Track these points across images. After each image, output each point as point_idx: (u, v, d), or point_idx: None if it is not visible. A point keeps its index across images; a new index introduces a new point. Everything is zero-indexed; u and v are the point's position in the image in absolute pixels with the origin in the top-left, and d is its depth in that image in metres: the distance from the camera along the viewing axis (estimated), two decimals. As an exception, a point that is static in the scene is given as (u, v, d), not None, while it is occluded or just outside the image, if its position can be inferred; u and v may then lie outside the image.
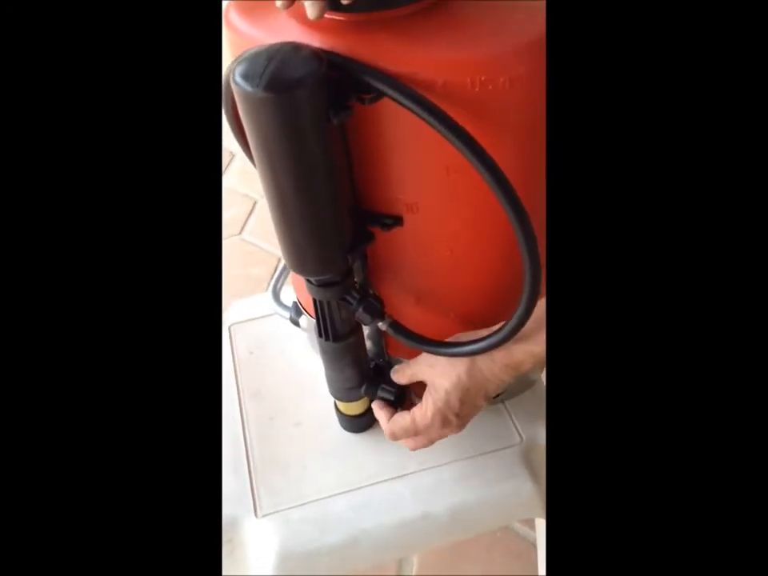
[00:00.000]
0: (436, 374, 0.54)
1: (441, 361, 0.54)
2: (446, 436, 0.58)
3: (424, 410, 0.55)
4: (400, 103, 0.40)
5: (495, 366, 0.52)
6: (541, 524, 0.71)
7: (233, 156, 1.75)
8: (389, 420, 0.59)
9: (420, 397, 0.57)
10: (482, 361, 0.52)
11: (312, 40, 0.42)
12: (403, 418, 0.57)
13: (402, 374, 0.59)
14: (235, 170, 1.74)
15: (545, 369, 0.70)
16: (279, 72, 0.38)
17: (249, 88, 0.38)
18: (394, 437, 0.59)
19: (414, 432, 0.57)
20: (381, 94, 0.40)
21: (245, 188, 1.67)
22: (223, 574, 0.62)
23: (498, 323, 0.50)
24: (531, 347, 0.50)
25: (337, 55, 0.41)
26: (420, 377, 0.57)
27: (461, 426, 0.56)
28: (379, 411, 0.60)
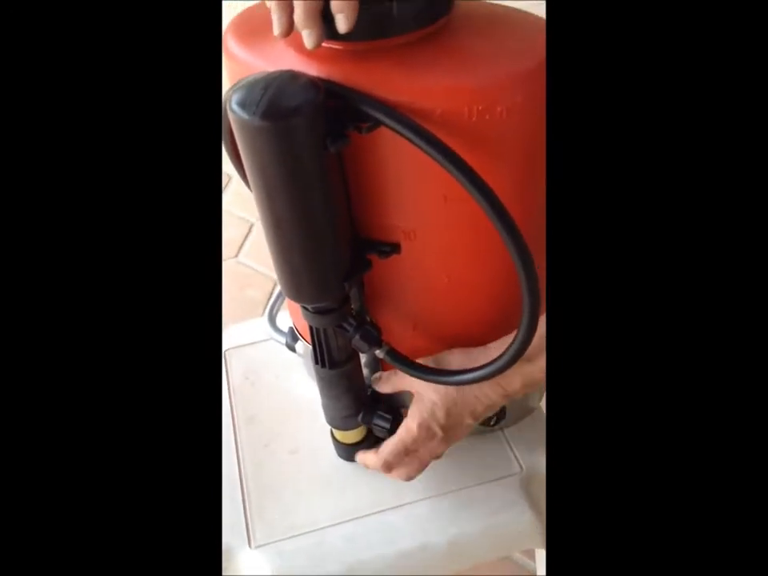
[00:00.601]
0: (424, 385, 0.54)
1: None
2: (435, 455, 0.57)
3: (409, 423, 0.55)
4: (397, 132, 0.40)
5: (484, 383, 0.52)
6: (540, 554, 0.70)
7: (230, 178, 1.76)
8: (376, 455, 0.58)
9: None
10: None
11: (309, 68, 0.42)
12: (390, 442, 0.57)
13: (387, 383, 0.58)
14: (232, 192, 1.74)
15: (543, 396, 0.70)
16: (276, 100, 0.38)
17: (245, 116, 0.38)
18: (388, 465, 0.58)
19: (403, 450, 0.57)
20: (378, 123, 0.40)
21: (241, 210, 1.67)
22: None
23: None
24: (520, 365, 0.50)
25: (334, 84, 0.41)
26: (406, 387, 0.56)
27: (446, 441, 0.56)
28: (364, 456, 0.60)
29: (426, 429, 0.55)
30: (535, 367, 0.50)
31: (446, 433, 0.55)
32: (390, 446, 0.57)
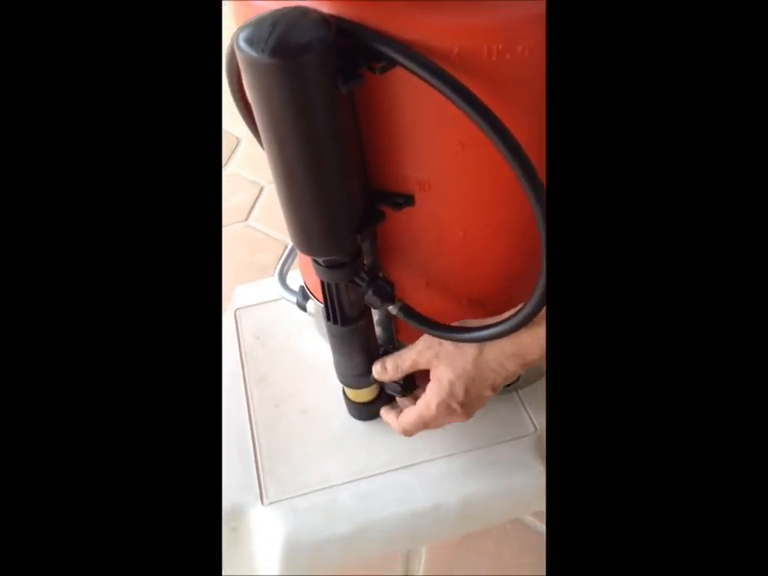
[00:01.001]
0: (441, 363, 0.53)
1: (446, 350, 0.52)
2: (452, 422, 0.56)
3: (428, 401, 0.54)
4: (413, 72, 0.38)
5: (502, 355, 0.50)
6: (553, 516, 0.69)
7: (238, 141, 1.73)
8: (397, 419, 0.57)
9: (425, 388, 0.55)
10: (490, 351, 0.51)
11: (320, 5, 0.40)
12: (410, 414, 0.56)
13: (396, 369, 0.57)
14: (241, 156, 1.71)
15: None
16: (285, 36, 0.36)
17: (253, 53, 0.36)
18: (407, 433, 0.58)
19: (423, 425, 0.56)
20: (392, 63, 0.38)
21: (251, 174, 1.65)
22: (229, 563, 0.60)
23: (510, 309, 0.48)
24: (538, 330, 0.48)
25: (346, 21, 0.39)
26: (423, 366, 0.55)
27: (467, 414, 0.55)
28: (387, 415, 0.59)
29: (445, 407, 0.53)
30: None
31: (466, 408, 0.54)
32: (409, 417, 0.56)
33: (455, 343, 0.52)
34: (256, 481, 0.62)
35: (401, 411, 0.58)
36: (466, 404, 0.53)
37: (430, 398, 0.54)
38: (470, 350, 0.51)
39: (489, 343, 0.50)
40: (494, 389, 0.53)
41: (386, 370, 0.57)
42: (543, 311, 0.47)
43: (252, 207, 1.59)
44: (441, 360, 0.53)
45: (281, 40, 0.36)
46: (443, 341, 0.53)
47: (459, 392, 0.52)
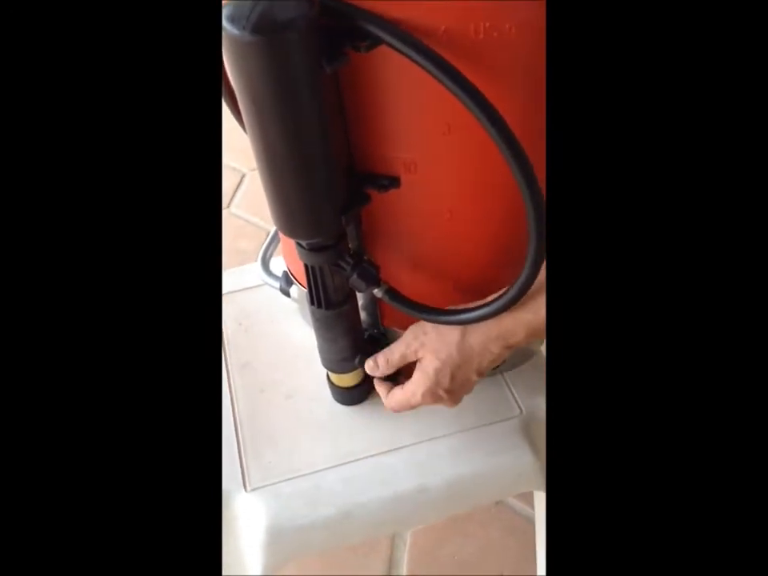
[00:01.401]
0: (426, 352, 0.53)
1: (430, 338, 0.52)
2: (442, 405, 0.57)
3: (414, 389, 0.54)
4: (398, 50, 0.37)
5: (486, 338, 0.50)
6: (539, 498, 0.69)
7: (220, 127, 1.71)
8: (387, 395, 0.57)
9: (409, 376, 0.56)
10: (473, 335, 0.51)
11: (304, -18, 0.39)
12: (399, 394, 0.56)
13: (387, 364, 0.56)
14: (223, 142, 1.69)
15: (543, 340, 0.69)
16: (267, 13, 0.35)
17: (235, 31, 0.36)
18: (395, 410, 0.57)
19: (409, 407, 0.56)
20: (377, 41, 0.38)
21: (232, 161, 1.63)
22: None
23: (496, 291, 0.48)
24: (523, 314, 0.48)
25: (330, -3, 0.38)
26: (411, 357, 0.55)
27: (454, 400, 0.55)
28: (379, 385, 0.59)
29: (431, 394, 0.54)
30: (537, 317, 0.48)
31: (452, 394, 0.54)
32: (395, 401, 0.56)
33: (438, 331, 0.52)
34: (239, 468, 0.61)
35: (391, 384, 0.58)
36: (452, 390, 0.53)
37: (416, 386, 0.54)
38: (453, 336, 0.51)
39: (471, 328, 0.50)
40: (479, 373, 0.53)
41: (378, 365, 0.57)
42: (527, 294, 0.47)
43: (233, 194, 1.57)
44: (426, 349, 0.53)
45: (263, 17, 0.35)
46: (427, 330, 0.53)
47: (445, 379, 0.52)
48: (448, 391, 0.53)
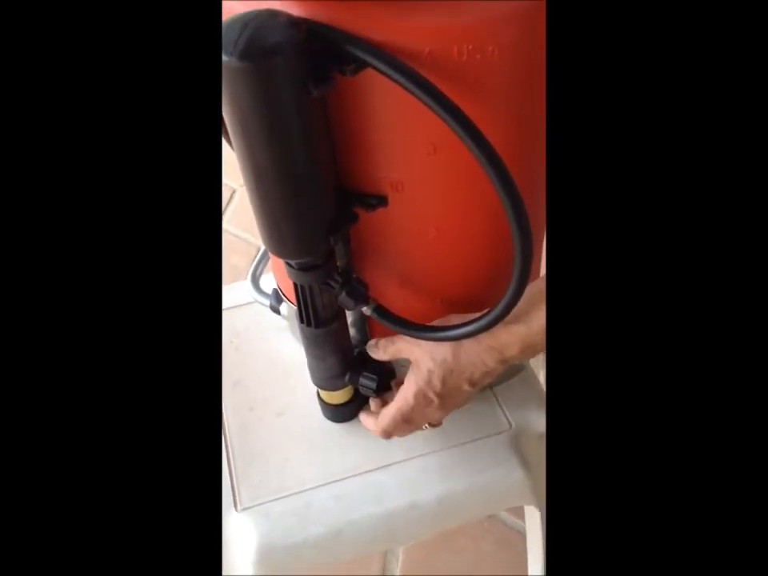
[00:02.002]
0: (420, 351, 0.53)
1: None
2: (433, 420, 0.57)
3: (406, 392, 0.54)
4: (383, 73, 0.38)
5: (480, 347, 0.51)
6: (530, 512, 0.70)
7: (210, 143, 1.71)
8: (375, 423, 0.57)
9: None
10: (468, 343, 0.51)
11: (290, 7, 0.40)
12: (388, 410, 0.56)
13: (383, 350, 0.57)
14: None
15: (534, 355, 0.69)
16: (255, 39, 0.36)
17: (223, 56, 0.36)
18: (387, 434, 0.58)
19: (401, 420, 0.56)
20: (363, 64, 0.38)
21: (223, 177, 1.64)
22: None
23: (486, 307, 0.49)
24: (517, 327, 0.49)
25: (316, 23, 0.39)
26: (404, 354, 0.55)
27: (443, 408, 0.55)
28: (366, 420, 0.59)
29: (422, 396, 0.54)
30: (532, 330, 0.48)
31: (443, 400, 0.54)
32: (388, 416, 0.56)
33: None
34: (230, 486, 0.61)
35: (375, 418, 0.58)
36: (443, 395, 0.53)
37: (408, 389, 0.54)
38: (449, 342, 0.51)
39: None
40: (471, 383, 0.53)
41: (377, 348, 0.58)
42: (519, 307, 0.47)
43: (224, 210, 1.57)
44: (422, 349, 0.53)
45: (250, 43, 0.36)
46: None
47: (437, 382, 0.53)
48: (439, 395, 0.53)
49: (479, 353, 0.51)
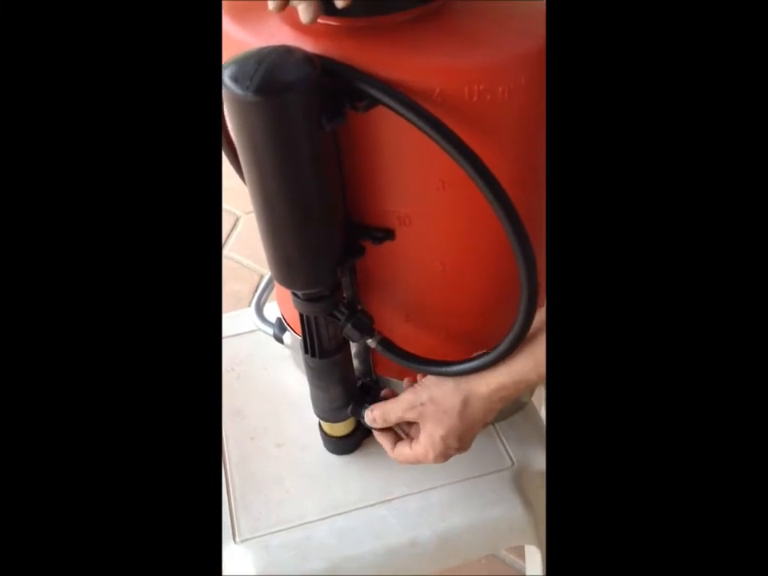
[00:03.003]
0: (427, 422, 0.53)
1: (430, 411, 0.52)
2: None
3: (424, 452, 0.54)
4: (395, 111, 0.38)
5: (489, 403, 0.51)
6: (530, 550, 0.69)
7: (216, 171, 1.73)
8: (393, 449, 0.57)
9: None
10: (475, 402, 0.51)
11: (305, 45, 0.41)
12: (406, 452, 0.56)
13: (383, 421, 0.56)
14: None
15: (534, 391, 0.69)
16: (270, 75, 0.37)
17: (239, 91, 0.37)
18: (401, 463, 0.57)
19: (417, 463, 0.56)
20: (375, 102, 0.39)
21: (227, 204, 1.64)
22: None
23: (491, 343, 0.49)
24: (519, 368, 0.48)
25: (330, 60, 0.39)
26: (409, 420, 0.55)
27: (465, 449, 0.55)
28: (381, 437, 0.58)
29: (443, 456, 0.54)
30: (535, 368, 0.48)
31: (462, 450, 0.54)
32: (405, 455, 0.56)
33: (437, 403, 0.52)
34: (228, 517, 0.60)
35: (394, 435, 0.57)
36: (462, 447, 0.54)
37: (427, 449, 0.54)
38: (454, 405, 0.51)
39: (471, 396, 0.50)
40: (485, 426, 0.54)
41: (375, 419, 0.57)
42: (519, 347, 0.47)
43: (228, 237, 1.58)
44: (426, 419, 0.53)
45: (266, 78, 0.37)
46: (424, 401, 0.52)
47: (453, 443, 0.53)
48: (458, 449, 0.54)
49: (486, 407, 0.51)
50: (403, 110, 0.38)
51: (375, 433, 0.59)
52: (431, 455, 0.53)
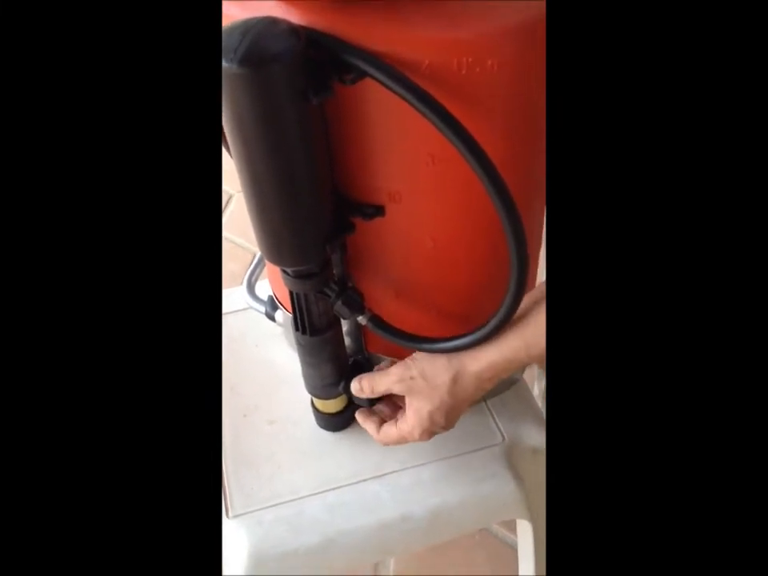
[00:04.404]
0: (415, 397, 0.53)
1: (418, 385, 0.52)
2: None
3: (410, 428, 0.54)
4: (383, 83, 0.38)
5: (479, 380, 0.50)
6: (522, 525, 0.69)
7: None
8: (378, 431, 0.57)
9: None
10: (466, 379, 0.51)
11: (291, 16, 0.40)
12: (392, 431, 0.56)
13: (370, 391, 0.56)
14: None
15: (525, 368, 0.69)
16: (255, 46, 0.36)
17: (224, 63, 0.36)
18: (386, 445, 0.58)
19: (403, 443, 0.56)
20: (362, 74, 0.38)
21: (220, 182, 1.64)
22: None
23: (481, 320, 0.49)
24: (512, 343, 0.48)
25: (317, 32, 0.39)
26: (397, 393, 0.55)
27: (450, 427, 0.55)
28: (365, 422, 0.59)
29: (429, 434, 0.54)
30: (529, 344, 0.48)
31: (448, 428, 0.55)
32: (391, 437, 0.56)
33: (427, 378, 0.52)
34: (221, 493, 0.61)
35: (378, 419, 0.58)
36: (448, 426, 0.54)
37: (413, 426, 0.54)
38: (443, 381, 0.51)
39: (462, 373, 0.50)
40: (472, 404, 0.54)
41: (363, 389, 0.57)
42: (510, 325, 0.47)
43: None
44: (414, 394, 0.53)
45: (250, 50, 0.36)
46: (414, 375, 0.52)
47: (440, 420, 0.53)
48: (444, 427, 0.54)
49: (476, 384, 0.51)
50: (391, 83, 0.37)
51: (359, 417, 0.59)
52: (417, 431, 0.54)
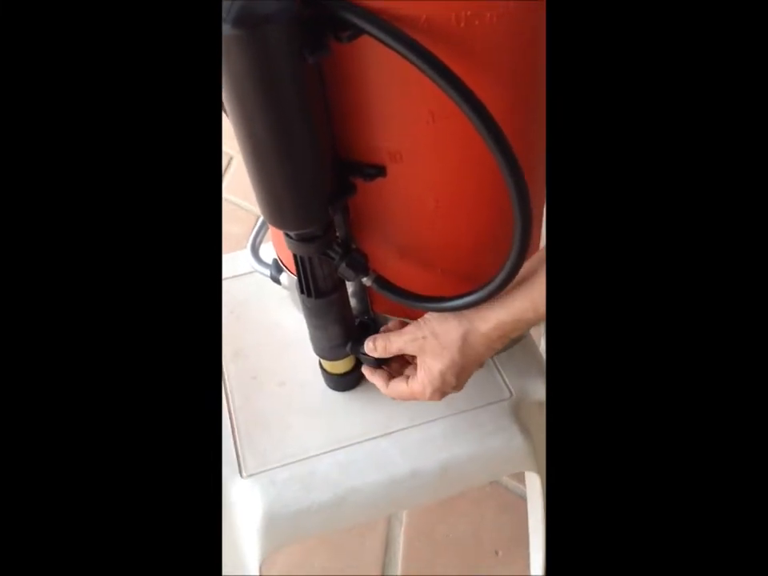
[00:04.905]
0: (427, 356, 0.53)
1: (430, 345, 0.52)
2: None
3: (421, 388, 0.54)
4: (379, 40, 0.37)
5: (488, 340, 0.51)
6: (530, 478, 0.71)
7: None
8: (386, 385, 0.58)
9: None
10: (474, 337, 0.51)
11: (284, -28, 0.39)
12: (402, 387, 0.56)
13: (384, 350, 0.56)
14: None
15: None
16: (248, 6, 0.35)
17: (215, 24, 0.35)
18: (394, 399, 0.58)
19: (412, 399, 0.57)
20: (359, 31, 0.37)
21: (221, 143, 1.62)
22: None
23: (486, 278, 0.49)
24: (512, 306, 0.48)
25: (311, -12, 0.38)
26: (410, 353, 0.55)
27: (459, 389, 0.56)
28: (373, 376, 0.59)
29: (439, 393, 0.55)
30: (534, 304, 0.48)
31: (459, 387, 0.55)
32: (399, 391, 0.56)
33: (438, 338, 0.52)
34: (234, 453, 0.62)
35: (387, 373, 0.58)
36: (458, 386, 0.55)
37: (424, 386, 0.54)
38: (454, 342, 0.51)
39: (471, 332, 0.51)
40: (481, 365, 0.54)
41: (376, 348, 0.57)
42: (517, 284, 0.47)
43: (222, 178, 1.56)
44: (426, 353, 0.53)
45: (244, 10, 0.35)
46: (426, 335, 0.53)
47: (451, 380, 0.53)
48: (455, 387, 0.54)
49: (486, 343, 0.51)
50: (388, 39, 0.37)
51: (366, 372, 0.60)
52: (428, 390, 0.54)
